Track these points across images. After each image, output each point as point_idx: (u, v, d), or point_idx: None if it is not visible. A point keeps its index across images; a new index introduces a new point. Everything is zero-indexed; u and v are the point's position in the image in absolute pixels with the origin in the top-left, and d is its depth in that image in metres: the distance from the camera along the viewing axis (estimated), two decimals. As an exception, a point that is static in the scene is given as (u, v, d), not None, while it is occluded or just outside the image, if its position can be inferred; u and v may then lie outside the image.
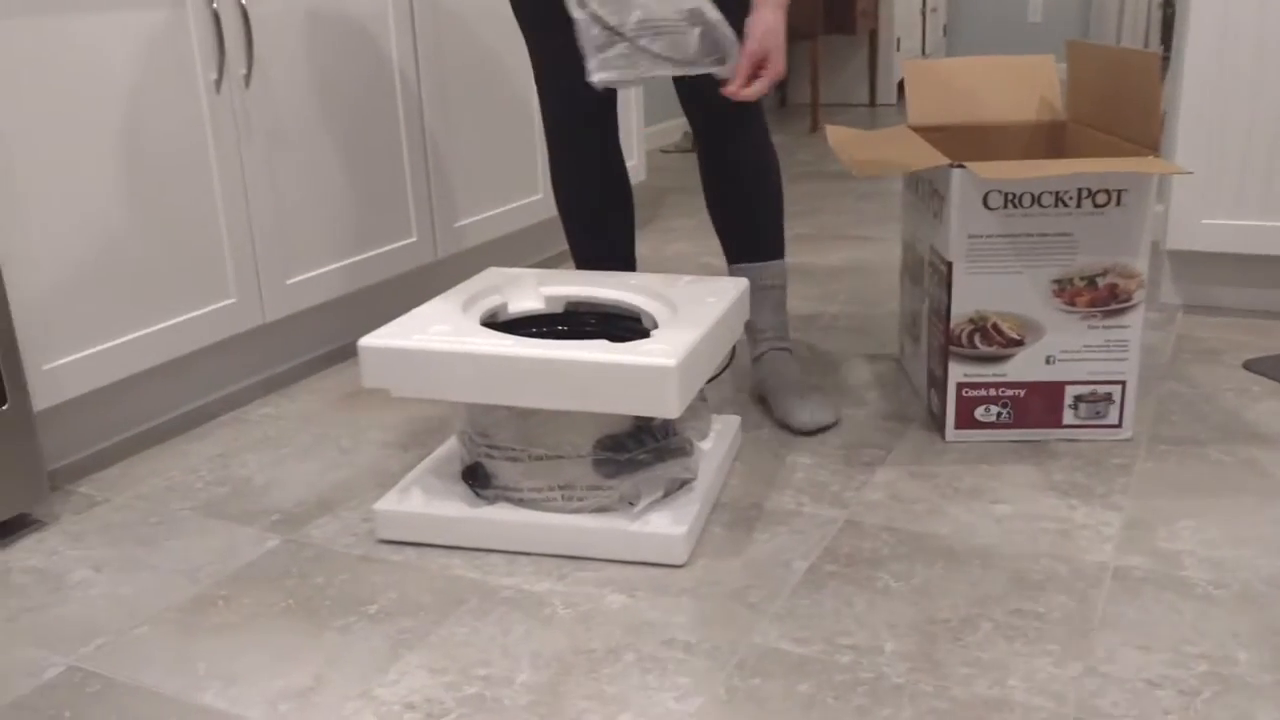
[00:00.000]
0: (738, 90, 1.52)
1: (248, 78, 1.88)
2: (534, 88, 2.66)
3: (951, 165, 1.58)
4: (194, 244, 1.83)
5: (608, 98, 1.78)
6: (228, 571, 1.40)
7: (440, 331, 1.39)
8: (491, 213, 2.56)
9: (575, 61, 1.68)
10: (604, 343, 1.33)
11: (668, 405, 1.28)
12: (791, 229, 3.13)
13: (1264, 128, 2.08)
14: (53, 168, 1.60)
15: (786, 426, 1.77)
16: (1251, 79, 2.06)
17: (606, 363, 1.28)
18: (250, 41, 1.87)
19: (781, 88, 5.82)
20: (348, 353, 2.22)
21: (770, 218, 1.84)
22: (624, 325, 1.58)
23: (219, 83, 1.83)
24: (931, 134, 1.93)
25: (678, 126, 4.92)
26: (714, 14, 1.46)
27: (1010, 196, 1.57)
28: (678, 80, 1.74)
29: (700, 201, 3.56)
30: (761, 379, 1.86)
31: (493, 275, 1.69)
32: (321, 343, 2.20)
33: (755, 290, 1.87)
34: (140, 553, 1.46)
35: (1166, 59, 5.61)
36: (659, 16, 1.45)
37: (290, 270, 2.02)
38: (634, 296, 1.60)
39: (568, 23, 1.63)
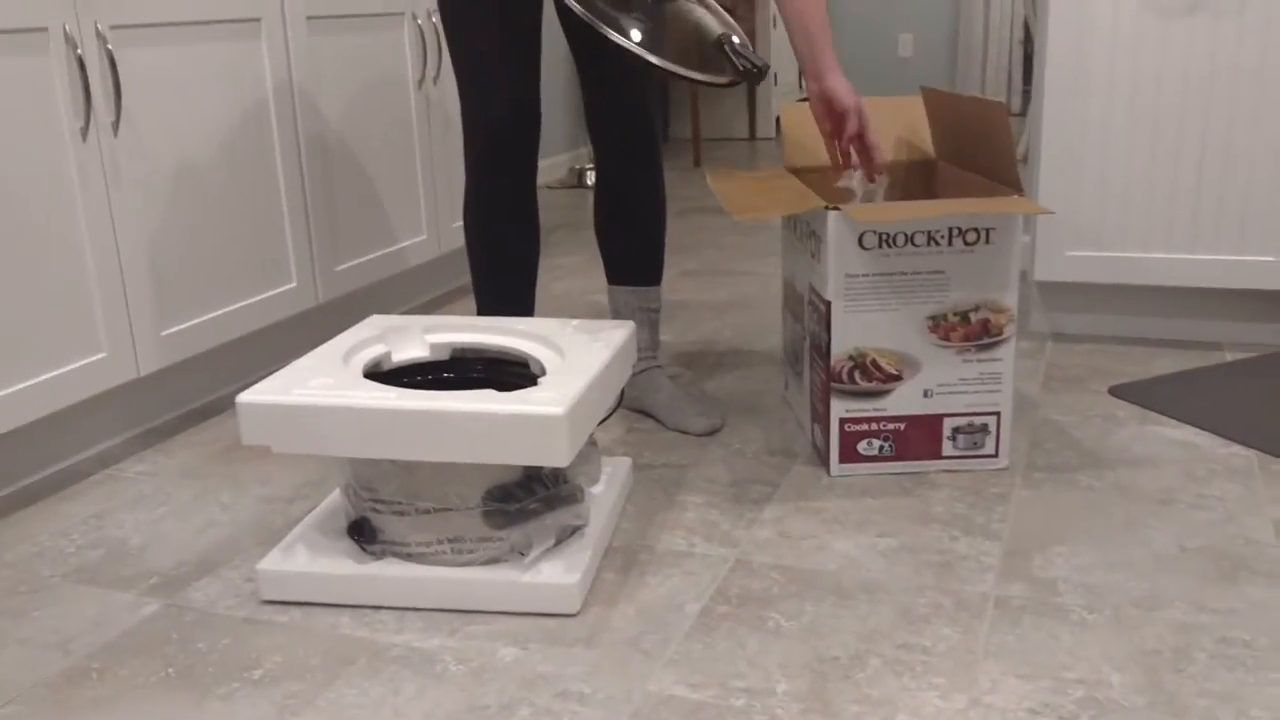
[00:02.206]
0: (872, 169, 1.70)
1: (116, 125, 1.83)
2: (416, 126, 2.65)
3: (827, 208, 1.62)
4: (62, 297, 1.77)
5: (533, 129, 1.80)
6: (102, 641, 1.34)
7: (321, 385, 1.37)
8: (375, 255, 2.53)
9: (507, 85, 1.71)
10: (490, 392, 1.33)
11: (558, 454, 1.28)
12: (677, 264, 3.16)
13: (1117, 164, 2.18)
14: (-95, 223, 1.53)
15: (683, 432, 1.92)
16: (1103, 119, 2.17)
17: (494, 413, 1.28)
18: (118, 88, 1.82)
19: (663, 122, 5.89)
20: (228, 403, 2.16)
21: (654, 243, 1.96)
22: (511, 372, 1.58)
23: (85, 131, 1.77)
24: (808, 175, 1.98)
25: (565, 162, 4.94)
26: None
27: (884, 237, 1.62)
28: (592, 99, 1.85)
29: (588, 237, 3.58)
30: (641, 394, 1.99)
31: (375, 323, 1.66)
32: (200, 394, 2.14)
33: (635, 312, 1.98)
34: (6, 625, 1.39)
35: (1028, 91, 5.85)
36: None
37: (165, 321, 1.96)
38: (521, 342, 1.59)
39: (509, 33, 1.65)
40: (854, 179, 1.84)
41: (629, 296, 1.95)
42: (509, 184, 1.81)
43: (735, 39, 1.59)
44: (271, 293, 2.21)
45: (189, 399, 2.12)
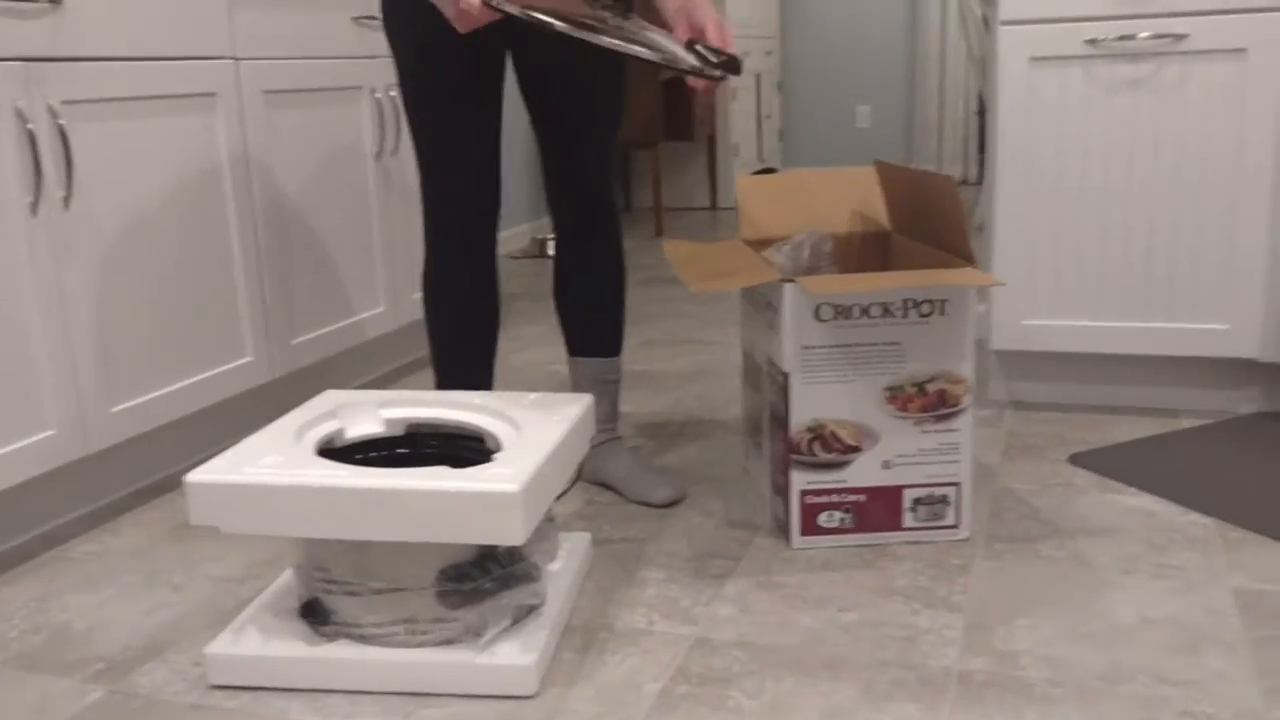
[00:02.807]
0: (726, 43, 1.55)
1: (67, 200, 1.82)
2: (373, 198, 2.64)
3: (783, 280, 1.62)
4: (8, 373, 1.73)
5: (493, 207, 1.79)
6: (40, 732, 1.30)
7: (272, 463, 1.34)
8: (331, 327, 2.51)
9: (468, 153, 1.71)
10: (444, 469, 1.31)
11: (513, 532, 1.26)
12: (638, 334, 3.16)
13: (1069, 234, 2.21)
14: None
15: (645, 504, 1.90)
16: (1054, 190, 2.20)
17: (447, 490, 1.26)
18: (70, 162, 1.80)
19: (625, 192, 5.94)
20: (178, 481, 2.12)
21: (614, 315, 1.96)
22: (467, 447, 1.56)
23: (35, 206, 1.76)
24: (765, 247, 1.99)
25: (527, 232, 4.95)
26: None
27: (840, 309, 1.63)
28: (552, 172, 1.86)
29: (549, 307, 3.58)
30: (600, 465, 1.97)
31: (329, 398, 1.64)
32: (152, 470, 2.10)
33: (593, 383, 1.96)
34: (-59, 717, 1.34)
35: (984, 160, 5.96)
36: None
37: (115, 397, 1.93)
38: (477, 417, 1.58)
39: (470, 109, 1.65)
40: (783, 252, 1.86)
41: (589, 368, 1.95)
42: (468, 261, 1.81)
43: (696, 43, 1.60)
44: (226, 367, 2.18)
45: (140, 476, 2.08)
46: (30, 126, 1.74)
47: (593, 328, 1.94)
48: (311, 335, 2.44)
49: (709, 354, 2.91)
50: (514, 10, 1.43)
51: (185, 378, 2.09)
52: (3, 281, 1.72)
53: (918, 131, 6.34)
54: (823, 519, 1.69)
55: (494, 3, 1.43)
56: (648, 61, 1.45)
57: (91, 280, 1.87)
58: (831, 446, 1.67)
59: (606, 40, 1.43)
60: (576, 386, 1.97)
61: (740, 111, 5.84)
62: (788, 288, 1.62)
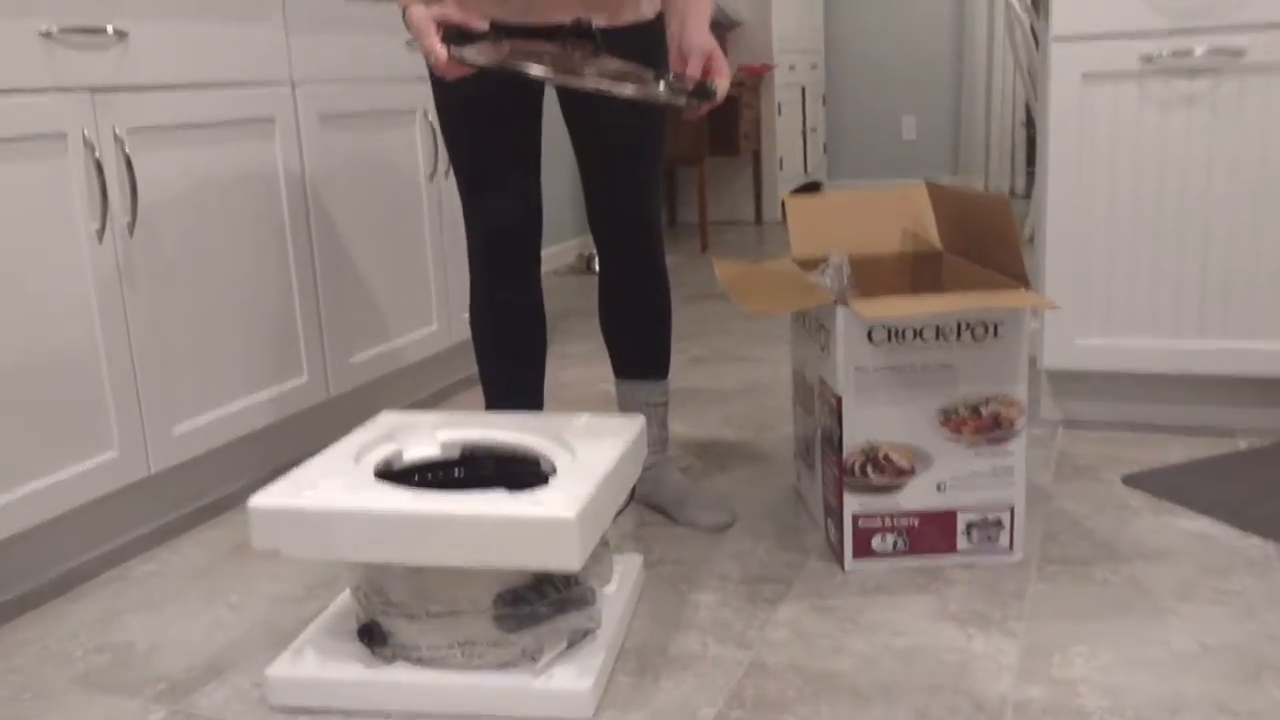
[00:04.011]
0: (710, 76, 1.55)
1: (132, 225, 1.86)
2: (426, 218, 2.68)
3: (836, 303, 1.63)
4: (76, 396, 1.78)
5: (535, 231, 1.81)
6: (108, 751, 1.33)
7: (332, 487, 1.37)
8: (385, 347, 2.54)
9: (505, 175, 1.73)
10: (501, 494, 1.32)
11: (569, 558, 1.27)
12: (685, 351, 3.17)
13: (1122, 251, 2.19)
14: (-78, 327, 1.55)
15: (693, 527, 1.91)
16: (1107, 207, 2.18)
17: (504, 516, 1.27)
18: (134, 189, 1.85)
19: (670, 207, 5.96)
20: (236, 500, 2.16)
21: (660, 339, 1.95)
22: (522, 469, 1.57)
23: (101, 232, 1.80)
24: (815, 267, 1.99)
25: (573, 249, 4.98)
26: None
27: (893, 331, 1.62)
28: (593, 197, 1.85)
29: (597, 324, 3.59)
30: (652, 490, 1.98)
31: (386, 420, 1.67)
32: (208, 490, 2.14)
33: (643, 407, 1.96)
34: (12, 734, 1.37)
35: (1032, 172, 5.91)
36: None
37: (176, 418, 1.97)
38: (531, 439, 1.59)
39: (507, 134, 1.67)
40: (826, 274, 1.85)
41: (636, 391, 1.95)
42: (512, 284, 1.82)
43: (666, 74, 1.60)
44: (283, 387, 2.22)
45: (199, 495, 2.11)
46: (97, 154, 1.78)
47: (639, 351, 1.95)
48: (367, 354, 2.47)
49: (757, 371, 2.91)
50: (484, 62, 1.44)
51: (243, 398, 2.12)
52: (70, 308, 1.76)
53: (964, 143, 6.30)
54: (876, 542, 1.69)
55: (463, 58, 1.46)
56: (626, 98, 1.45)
57: (154, 304, 1.91)
58: (884, 469, 1.66)
59: (583, 83, 1.44)
60: (624, 408, 1.98)
61: (785, 125, 5.84)
62: (840, 310, 1.62)
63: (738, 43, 5.65)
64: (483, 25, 1.52)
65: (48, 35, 1.70)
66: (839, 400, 1.65)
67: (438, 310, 2.73)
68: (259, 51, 2.13)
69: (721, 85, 1.54)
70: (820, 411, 1.78)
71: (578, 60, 1.51)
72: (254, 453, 2.23)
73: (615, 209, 1.85)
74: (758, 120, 5.63)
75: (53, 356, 1.74)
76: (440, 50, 1.47)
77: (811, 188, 6.41)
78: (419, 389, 2.78)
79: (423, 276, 2.68)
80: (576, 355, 3.20)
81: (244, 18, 2.08)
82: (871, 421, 1.65)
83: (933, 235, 2.03)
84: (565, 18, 1.70)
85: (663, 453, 1.99)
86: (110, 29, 1.80)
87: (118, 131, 1.82)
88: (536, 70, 1.42)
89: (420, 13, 1.51)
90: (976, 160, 6.25)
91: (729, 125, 5.32)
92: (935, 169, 6.43)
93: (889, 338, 1.63)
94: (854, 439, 1.66)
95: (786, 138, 5.88)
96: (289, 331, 2.24)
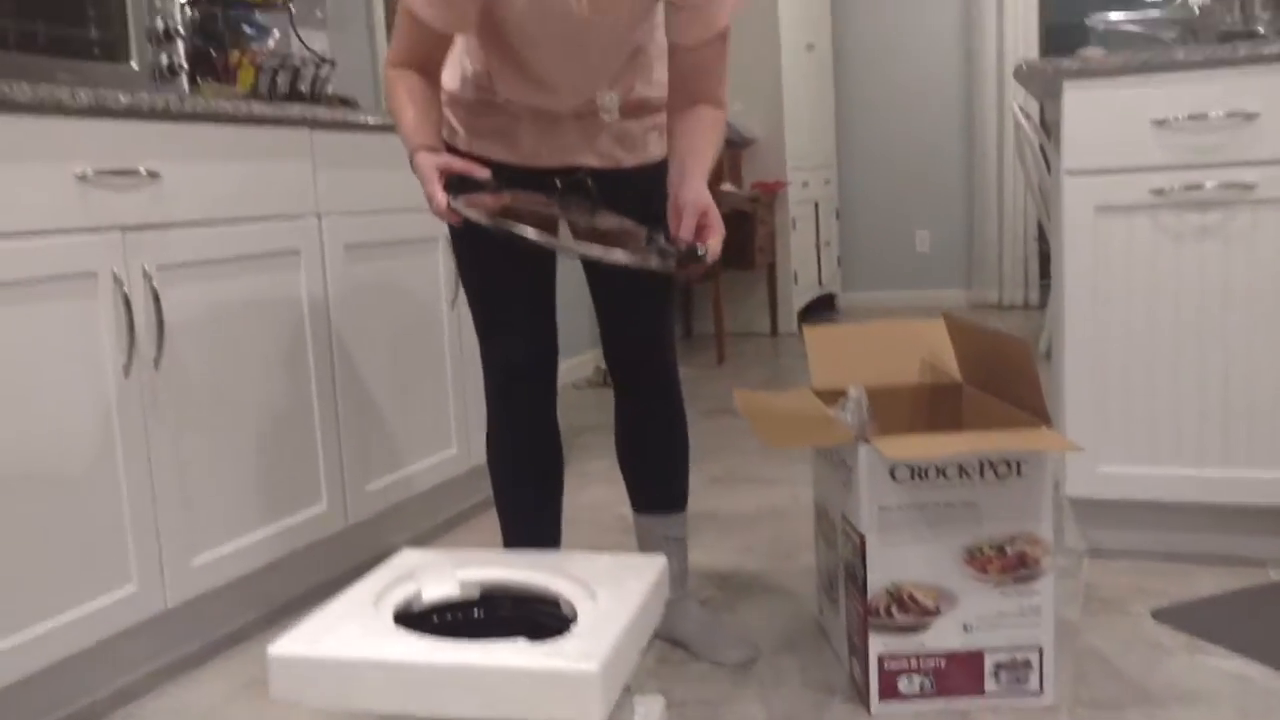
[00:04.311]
0: (692, 237, 1.54)
1: (158, 359, 1.88)
2: (446, 342, 2.70)
3: (857, 440, 1.62)
4: (95, 532, 1.78)
5: (550, 368, 1.82)
6: None
7: (351, 634, 1.35)
8: (404, 472, 2.54)
9: (519, 317, 1.74)
10: (522, 643, 1.30)
11: (592, 713, 1.24)
12: (703, 470, 3.16)
13: (1142, 380, 2.19)
14: (-53, 467, 1.56)
15: (718, 664, 1.87)
16: (1124, 336, 2.19)
17: (526, 669, 1.25)
18: (161, 324, 1.87)
19: (686, 320, 6.00)
20: (251, 631, 2.13)
21: (678, 473, 1.94)
22: (542, 611, 1.55)
23: (127, 367, 1.82)
24: (834, 398, 1.99)
25: (590, 361, 5.01)
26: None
27: (916, 469, 1.62)
28: (606, 329, 1.86)
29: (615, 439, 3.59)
30: (672, 624, 1.94)
31: (407, 559, 1.66)
32: (224, 623, 2.12)
33: (660, 541, 1.94)
34: None
35: (1045, 285, 5.95)
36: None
37: (195, 550, 1.96)
38: (551, 580, 1.57)
39: (520, 275, 1.68)
40: (847, 409, 1.85)
41: (654, 525, 1.93)
42: (527, 423, 1.82)
43: (658, 235, 1.61)
44: (301, 516, 2.22)
45: (214, 628, 2.09)
46: (126, 290, 1.81)
47: (655, 484, 1.93)
48: (385, 481, 2.47)
49: (776, 494, 2.90)
50: (480, 219, 1.46)
51: (262, 528, 2.12)
52: (95, 443, 1.77)
53: (977, 256, 6.36)
54: (902, 684, 1.66)
55: (461, 210, 1.49)
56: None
57: (177, 436, 1.92)
58: (910, 609, 1.64)
59: (575, 249, 1.46)
60: (642, 543, 1.96)
61: (800, 239, 5.91)
62: (863, 448, 1.62)
63: (752, 160, 5.75)
64: (484, 173, 1.54)
65: (83, 178, 1.74)
66: (863, 538, 1.64)
67: (457, 434, 2.74)
68: (287, 187, 2.18)
69: (713, 245, 1.54)
70: (843, 547, 1.76)
71: (575, 216, 1.53)
72: (271, 581, 2.22)
73: (629, 345, 1.86)
74: (772, 234, 5.70)
75: (75, 492, 1.74)
76: (440, 198, 1.50)
77: (826, 300, 6.46)
78: (438, 512, 2.77)
79: (442, 401, 2.69)
80: (595, 474, 3.18)
81: (274, 155, 2.14)
82: (896, 561, 1.63)
83: (951, 368, 2.04)
84: (575, 161, 1.74)
85: (683, 587, 1.96)
86: (143, 170, 1.84)
87: (147, 268, 1.86)
88: (530, 234, 1.43)
89: (425, 160, 1.54)
90: (990, 273, 6.30)
91: (744, 240, 5.39)
92: (949, 282, 6.48)
93: (912, 476, 1.62)
94: (879, 578, 1.64)
95: (801, 251, 5.95)
96: (309, 460, 2.25)
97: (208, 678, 1.93)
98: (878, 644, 1.65)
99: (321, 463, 2.28)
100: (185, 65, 2.16)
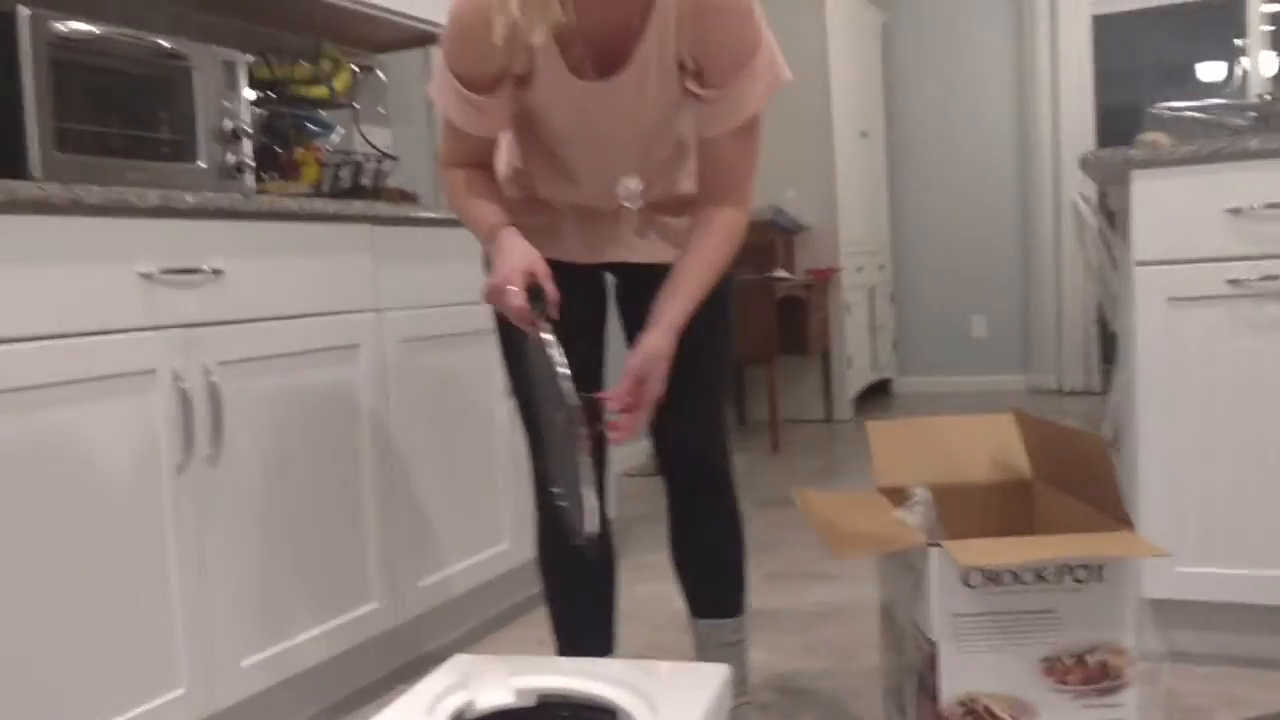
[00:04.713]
0: (619, 414, 1.50)
1: (215, 458, 1.87)
2: (499, 434, 2.68)
3: (929, 544, 1.56)
4: (146, 632, 1.75)
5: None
6: None
7: (406, 749, 1.31)
8: (457, 567, 2.50)
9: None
10: (582, 762, 1.25)
11: (653, 838, 1.18)
12: (760, 564, 3.08)
13: (1222, 475, 2.11)
14: None
15: None
16: (1203, 427, 2.11)
17: (586, 790, 1.20)
18: (219, 420, 1.87)
19: (740, 407, 5.95)
20: (303, 732, 2.09)
21: (734, 577, 1.85)
22: (601, 721, 1.50)
23: (183, 465, 1.81)
24: (899, 495, 1.93)
25: (643, 449, 4.96)
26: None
27: (990, 574, 1.55)
28: (657, 429, 1.77)
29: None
30: None
31: (459, 665, 1.61)
32: (275, 722, 2.07)
33: (718, 647, 1.85)
34: None
35: (1107, 369, 5.83)
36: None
37: (245, 651, 1.93)
38: (609, 690, 1.52)
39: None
40: (915, 511, 1.78)
41: (710, 630, 1.85)
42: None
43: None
44: (352, 615, 2.18)
45: (265, 728, 2.05)
46: (184, 386, 1.81)
47: (710, 589, 1.85)
48: (437, 576, 2.43)
49: (837, 590, 2.81)
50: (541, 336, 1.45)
51: (314, 627, 2.08)
52: (147, 543, 1.76)
53: (1035, 340, 6.26)
54: (979, 804, 1.57)
55: (540, 326, 1.47)
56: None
57: (231, 536, 1.91)
58: (986, 724, 1.56)
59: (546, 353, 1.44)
60: (700, 648, 1.88)
61: (854, 324, 5.86)
62: (934, 553, 1.56)
63: (805, 245, 5.74)
64: (555, 296, 1.52)
65: (148, 276, 1.76)
66: (934, 646, 1.57)
67: (510, 528, 2.70)
68: (348, 282, 2.19)
69: (625, 420, 1.50)
70: (913, 654, 1.68)
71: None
72: (322, 680, 2.17)
73: (679, 441, 1.79)
74: (826, 320, 5.67)
75: (125, 593, 1.72)
76: (520, 301, 1.48)
77: (880, 386, 6.38)
78: (489, 608, 2.72)
79: (494, 494, 2.66)
80: (650, 566, 3.12)
81: (336, 251, 2.15)
82: (970, 670, 1.56)
83: (1021, 464, 1.97)
84: (618, 257, 1.72)
85: (743, 695, 1.89)
86: (207, 268, 1.86)
87: (207, 364, 1.86)
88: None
89: (516, 245, 1.53)
90: (1048, 358, 6.20)
91: (798, 325, 5.36)
92: (1005, 366, 6.38)
93: (985, 581, 1.55)
94: (952, 689, 1.56)
95: (855, 336, 5.90)
96: (361, 556, 2.22)
97: (257, 783, 1.89)
98: (953, 760, 1.57)
99: (373, 558, 2.25)
100: (251, 163, 2.19)
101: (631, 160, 1.64)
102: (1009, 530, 1.92)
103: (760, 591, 2.84)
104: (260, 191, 2.32)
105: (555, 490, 1.60)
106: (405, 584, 2.32)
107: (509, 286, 1.49)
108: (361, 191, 2.72)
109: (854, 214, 5.90)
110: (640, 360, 1.53)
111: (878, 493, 1.94)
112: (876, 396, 6.35)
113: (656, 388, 1.54)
